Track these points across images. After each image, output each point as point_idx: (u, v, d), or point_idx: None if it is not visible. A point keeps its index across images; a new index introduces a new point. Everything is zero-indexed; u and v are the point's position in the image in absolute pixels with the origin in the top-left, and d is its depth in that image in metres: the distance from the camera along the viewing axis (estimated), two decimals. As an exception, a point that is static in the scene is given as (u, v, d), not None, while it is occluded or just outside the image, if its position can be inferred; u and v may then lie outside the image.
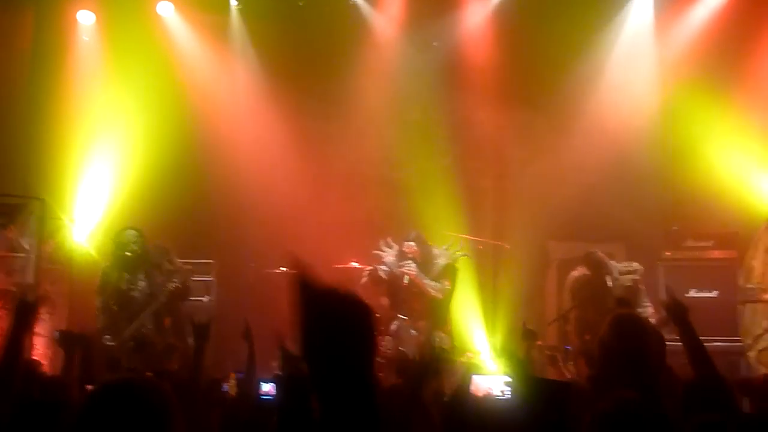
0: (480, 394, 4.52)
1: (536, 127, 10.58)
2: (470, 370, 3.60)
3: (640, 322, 3.95)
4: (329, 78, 10.77)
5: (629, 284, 8.38)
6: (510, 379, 3.22)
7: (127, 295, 8.11)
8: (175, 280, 8.16)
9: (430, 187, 10.47)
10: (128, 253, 8.14)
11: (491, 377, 6.12)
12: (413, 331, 8.67)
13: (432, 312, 8.72)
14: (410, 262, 8.65)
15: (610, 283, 8.42)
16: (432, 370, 3.53)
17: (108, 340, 8.00)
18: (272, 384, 5.14)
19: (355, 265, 10.11)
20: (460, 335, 9.50)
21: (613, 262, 8.62)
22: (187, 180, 10.50)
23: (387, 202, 10.34)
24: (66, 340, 5.02)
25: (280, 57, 10.96)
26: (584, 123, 10.38)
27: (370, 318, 2.24)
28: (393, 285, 8.72)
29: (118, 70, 10.63)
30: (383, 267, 8.78)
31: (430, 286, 8.66)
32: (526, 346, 4.35)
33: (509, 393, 3.57)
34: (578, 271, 8.71)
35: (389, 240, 8.88)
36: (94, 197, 10.37)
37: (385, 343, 8.43)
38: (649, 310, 8.24)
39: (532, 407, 2.86)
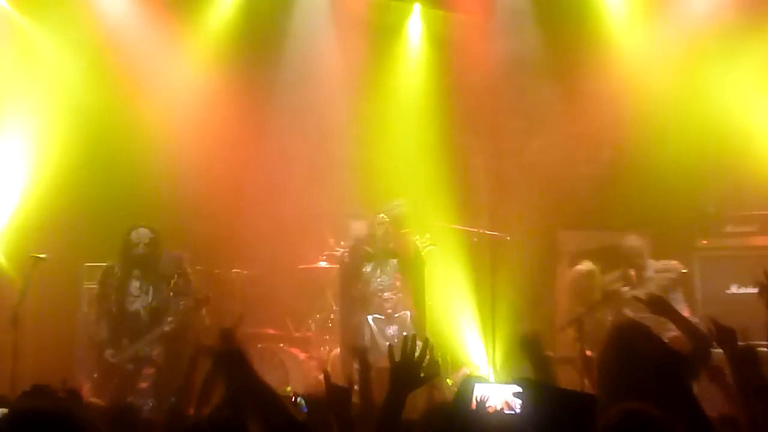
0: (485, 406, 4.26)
1: (539, 93, 10.06)
2: (471, 379, 3.63)
3: (641, 330, 3.89)
4: (287, 38, 10.27)
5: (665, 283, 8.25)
6: (521, 390, 3.17)
7: (130, 308, 7.80)
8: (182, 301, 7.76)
9: (411, 169, 9.88)
10: (136, 254, 7.81)
11: (497, 387, 5.88)
12: (390, 331, 8.46)
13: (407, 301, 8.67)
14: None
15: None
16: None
17: (111, 356, 7.70)
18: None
19: (323, 264, 9.84)
20: (453, 348, 9.22)
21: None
22: (120, 169, 9.81)
23: (357, 187, 9.82)
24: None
25: (231, 23, 10.31)
26: (597, 87, 9.74)
27: None
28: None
29: (33, 38, 9.92)
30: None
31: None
32: (529, 358, 4.16)
33: (520, 406, 3.49)
34: (584, 266, 8.62)
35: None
36: (3, 190, 9.67)
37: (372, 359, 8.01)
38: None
39: (550, 423, 2.88)
